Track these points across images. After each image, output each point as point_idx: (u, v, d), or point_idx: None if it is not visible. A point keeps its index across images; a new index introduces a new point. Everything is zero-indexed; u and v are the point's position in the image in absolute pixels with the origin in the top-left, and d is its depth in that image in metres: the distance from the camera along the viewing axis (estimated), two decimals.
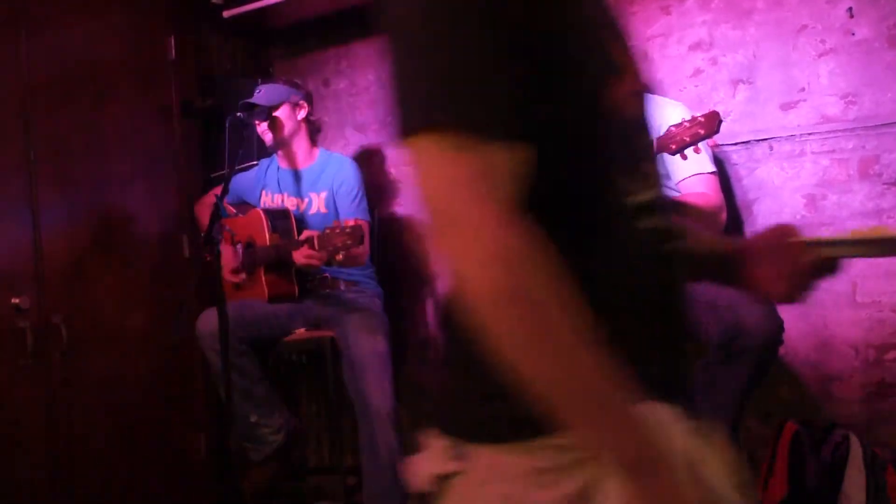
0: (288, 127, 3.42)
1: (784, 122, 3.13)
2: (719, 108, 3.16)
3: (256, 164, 3.62)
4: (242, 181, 3.56)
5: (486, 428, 1.01)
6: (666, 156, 2.54)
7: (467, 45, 0.94)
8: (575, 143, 1.00)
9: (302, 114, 3.47)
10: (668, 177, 2.87)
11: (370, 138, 4.04)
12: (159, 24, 3.76)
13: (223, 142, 3.22)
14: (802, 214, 3.09)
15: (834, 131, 3.04)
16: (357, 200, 3.40)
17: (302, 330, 3.43)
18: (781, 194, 3.13)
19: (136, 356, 3.50)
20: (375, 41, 3.99)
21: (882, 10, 2.96)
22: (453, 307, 1.01)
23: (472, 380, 1.02)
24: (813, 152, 3.08)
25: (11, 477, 3.04)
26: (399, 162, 3.97)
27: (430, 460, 1.04)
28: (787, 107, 3.13)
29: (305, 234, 3.06)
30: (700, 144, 2.44)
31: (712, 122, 2.39)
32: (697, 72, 3.28)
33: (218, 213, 2.79)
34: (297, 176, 3.48)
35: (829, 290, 3.05)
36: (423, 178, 0.94)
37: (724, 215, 2.85)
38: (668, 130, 2.47)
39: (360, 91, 4.07)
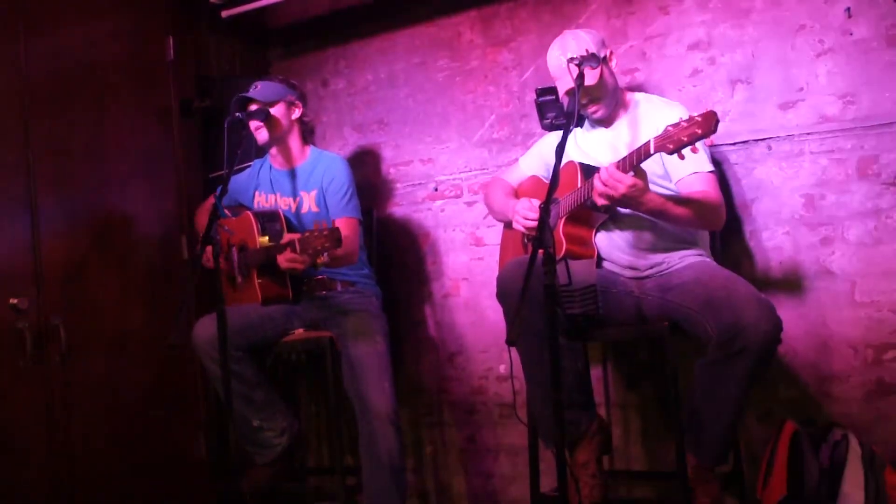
0: (282, 126, 3.42)
1: (782, 121, 3.13)
2: (717, 108, 3.17)
3: (249, 166, 3.62)
4: (236, 183, 3.56)
5: None
6: (664, 155, 2.54)
7: None
8: None
9: (296, 113, 3.46)
10: (666, 177, 2.87)
11: (368, 138, 4.04)
12: (158, 25, 3.76)
13: (222, 142, 3.21)
14: (801, 214, 3.10)
15: (832, 131, 3.05)
16: (347, 198, 3.37)
17: (301, 330, 3.42)
18: (780, 194, 3.13)
19: (135, 357, 3.50)
20: (374, 41, 4.04)
21: (880, 10, 2.96)
22: None
23: None
24: (811, 152, 3.08)
25: (11, 478, 3.04)
26: (397, 161, 3.97)
27: None
28: (785, 107, 3.13)
29: (287, 237, 3.04)
30: (698, 144, 2.44)
31: (709, 122, 2.39)
32: (696, 72, 3.28)
33: (216, 213, 2.79)
34: (288, 175, 3.48)
35: (828, 289, 3.05)
36: None
37: (724, 213, 2.85)
38: (665, 130, 2.47)
39: (359, 91, 4.07)
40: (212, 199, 3.58)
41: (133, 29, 3.67)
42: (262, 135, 3.39)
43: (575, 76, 2.63)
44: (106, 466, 3.33)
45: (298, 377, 4.14)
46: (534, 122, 3.50)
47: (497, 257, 3.42)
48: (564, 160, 2.89)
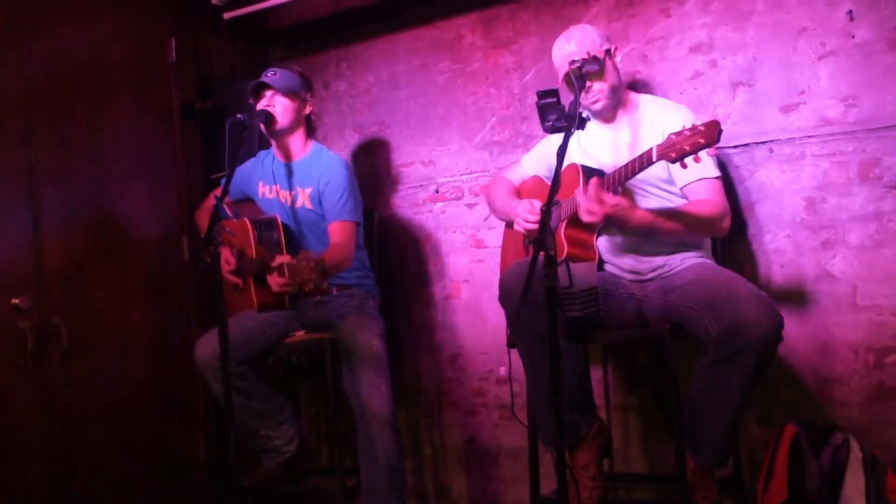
0: (292, 119, 3.40)
1: (784, 124, 3.13)
2: (719, 111, 3.19)
3: (254, 156, 3.60)
4: (241, 172, 3.52)
5: None
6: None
7: None
8: None
9: (307, 110, 3.46)
10: (671, 182, 2.87)
11: (369, 140, 4.05)
12: (160, 26, 3.77)
13: (223, 143, 3.21)
14: (802, 217, 3.09)
15: (834, 134, 3.04)
16: (343, 200, 3.34)
17: (301, 333, 3.42)
18: (781, 197, 3.13)
19: (136, 357, 3.51)
20: (375, 43, 4.04)
21: (882, 13, 2.96)
22: None
23: None
24: (813, 155, 3.08)
25: (12, 477, 3.04)
26: (398, 163, 3.97)
27: None
28: (787, 109, 3.13)
29: (278, 259, 2.99)
30: (701, 152, 2.44)
31: (712, 132, 2.39)
32: (697, 74, 3.28)
33: (218, 214, 2.78)
34: (288, 169, 3.46)
35: (829, 293, 3.05)
36: None
37: (727, 221, 2.85)
38: (668, 138, 2.48)
39: (360, 93, 4.07)
40: (212, 199, 3.58)
41: (135, 30, 3.68)
42: (283, 118, 3.35)
43: (576, 78, 2.63)
44: (106, 465, 3.33)
45: (298, 379, 4.14)
46: (535, 125, 3.50)
47: (498, 259, 3.42)
48: (567, 161, 2.90)
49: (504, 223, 3.31)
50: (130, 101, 3.63)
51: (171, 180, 3.76)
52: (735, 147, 3.19)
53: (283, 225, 3.37)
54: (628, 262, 2.93)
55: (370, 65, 4.04)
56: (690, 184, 2.81)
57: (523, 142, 3.63)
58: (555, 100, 2.63)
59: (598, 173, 2.87)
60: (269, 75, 3.36)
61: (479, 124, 3.76)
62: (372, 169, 4.03)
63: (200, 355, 3.27)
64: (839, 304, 3.03)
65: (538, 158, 3.25)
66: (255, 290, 3.26)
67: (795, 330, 3.05)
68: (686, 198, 2.86)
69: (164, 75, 3.78)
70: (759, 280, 3.14)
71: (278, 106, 3.34)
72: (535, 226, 2.86)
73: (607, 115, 3.00)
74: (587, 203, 2.61)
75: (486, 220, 3.74)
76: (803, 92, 3.09)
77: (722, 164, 3.08)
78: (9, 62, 3.18)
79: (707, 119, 2.44)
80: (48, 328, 3.18)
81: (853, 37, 3.01)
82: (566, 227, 2.84)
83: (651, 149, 2.53)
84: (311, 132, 3.55)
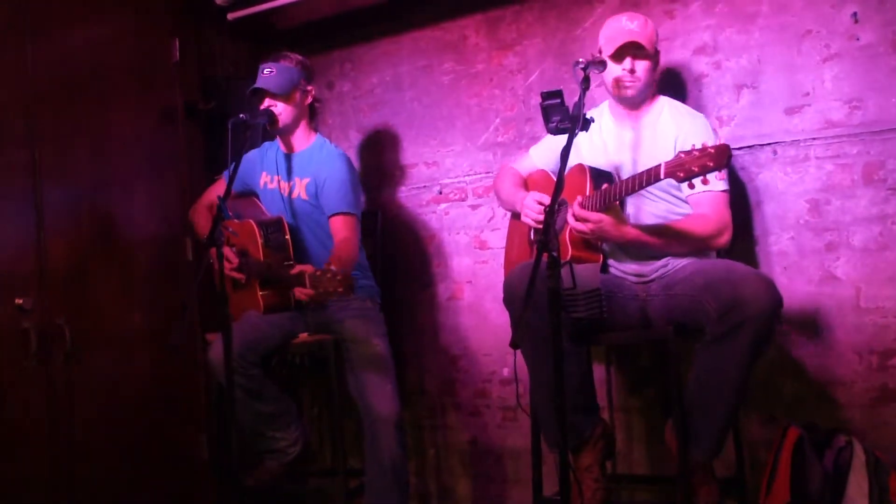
0: (296, 115, 3.39)
1: (788, 126, 3.13)
2: (723, 113, 3.19)
3: (259, 147, 3.58)
4: (244, 163, 3.48)
5: None
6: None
7: None
8: None
9: (308, 99, 3.43)
10: (678, 187, 2.87)
11: (373, 141, 4.05)
12: (163, 27, 3.77)
13: (226, 144, 3.20)
14: (806, 219, 3.09)
15: (838, 136, 3.04)
16: (343, 193, 3.31)
17: (305, 335, 3.42)
18: (785, 199, 3.12)
19: (138, 357, 3.51)
20: (379, 44, 4.04)
21: (887, 16, 2.96)
22: None
23: None
24: (817, 157, 3.08)
25: (14, 477, 3.05)
26: (402, 164, 3.97)
27: None
28: (791, 111, 3.12)
29: (298, 268, 2.94)
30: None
31: (722, 157, 2.39)
32: (701, 76, 3.28)
33: (221, 215, 2.77)
34: (290, 159, 3.45)
35: (832, 295, 3.05)
36: None
37: (726, 237, 2.85)
38: (677, 157, 2.47)
39: (364, 94, 4.07)
40: (206, 198, 3.57)
41: (138, 30, 3.68)
42: (283, 115, 3.34)
43: (580, 80, 2.63)
44: (108, 465, 3.34)
45: (301, 379, 4.13)
46: (539, 126, 3.50)
47: (501, 260, 3.42)
48: (575, 156, 2.92)
49: (510, 214, 3.30)
50: (133, 101, 3.63)
51: (174, 180, 3.77)
52: (739, 149, 3.18)
53: (289, 226, 3.36)
54: (632, 266, 2.94)
55: (374, 66, 4.04)
56: (695, 194, 2.80)
57: (527, 143, 3.62)
58: (559, 101, 2.63)
59: (606, 175, 2.89)
60: (266, 74, 3.32)
61: (483, 125, 3.76)
62: (376, 170, 4.03)
63: (215, 357, 3.26)
64: (843, 307, 3.03)
65: (546, 152, 3.24)
66: (262, 295, 3.25)
67: (799, 332, 3.04)
68: (691, 208, 2.88)
69: (168, 75, 3.78)
70: None
71: (279, 106, 3.33)
72: (542, 224, 2.87)
73: (628, 108, 2.99)
74: (572, 221, 2.75)
75: (489, 221, 3.74)
76: (808, 94, 3.09)
77: (730, 169, 3.06)
78: (12, 62, 3.18)
79: (719, 141, 2.44)
80: (51, 328, 3.18)
81: (858, 39, 3.00)
82: (572, 230, 2.84)
83: (659, 165, 2.53)
84: (313, 120, 3.50)
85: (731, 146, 3.13)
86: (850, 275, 3.02)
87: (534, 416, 3.05)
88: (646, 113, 3.00)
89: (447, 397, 3.86)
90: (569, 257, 2.80)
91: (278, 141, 3.50)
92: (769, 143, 3.15)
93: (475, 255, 3.79)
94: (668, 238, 2.84)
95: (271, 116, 3.29)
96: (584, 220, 2.72)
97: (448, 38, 3.85)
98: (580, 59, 2.70)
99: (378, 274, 3.65)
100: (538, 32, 3.63)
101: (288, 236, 3.31)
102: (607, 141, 3.02)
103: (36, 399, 3.15)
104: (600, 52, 2.96)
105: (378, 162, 4.03)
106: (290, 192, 3.42)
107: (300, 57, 3.43)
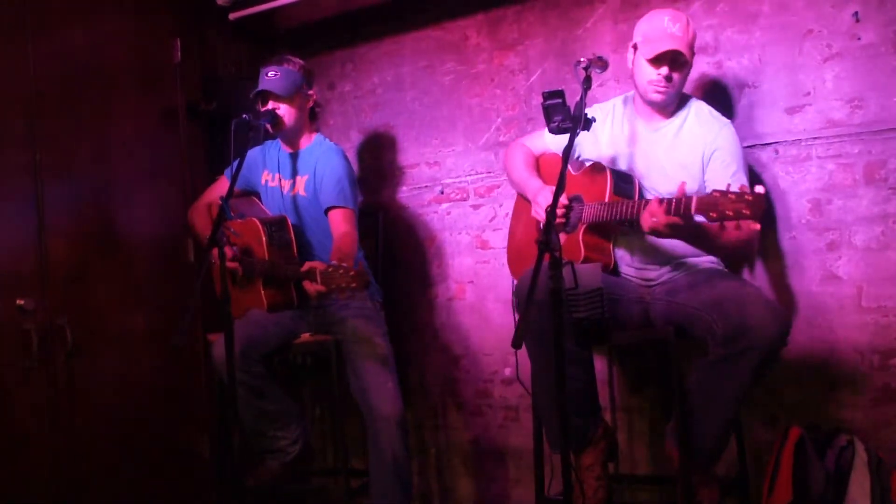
0: (299, 118, 3.39)
1: (789, 126, 3.13)
2: (724, 113, 3.18)
3: (260, 145, 3.58)
4: (246, 161, 3.42)
5: None
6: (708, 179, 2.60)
7: None
8: None
9: (310, 103, 3.44)
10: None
11: (375, 141, 4.05)
12: (165, 27, 3.77)
13: (228, 144, 3.20)
14: (807, 219, 3.09)
15: (839, 136, 3.04)
16: (340, 187, 3.31)
17: (307, 335, 3.42)
18: (787, 199, 3.12)
19: (140, 358, 3.51)
20: (381, 44, 4.03)
21: (888, 15, 2.96)
22: None
23: None
24: (818, 157, 3.08)
25: (17, 477, 3.05)
26: (403, 164, 3.97)
27: None
28: (792, 111, 3.12)
29: (308, 265, 2.94)
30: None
31: (758, 208, 2.26)
32: (703, 76, 3.28)
33: (223, 216, 2.78)
34: (291, 158, 3.46)
35: (834, 294, 3.05)
36: None
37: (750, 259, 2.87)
38: (711, 196, 2.36)
39: (365, 94, 4.07)
40: (205, 198, 3.57)
41: (140, 31, 3.68)
42: (286, 116, 3.34)
43: (582, 79, 2.63)
44: (110, 465, 3.34)
45: (303, 379, 4.14)
46: (540, 126, 3.48)
47: (503, 260, 3.42)
48: (597, 148, 2.95)
49: (517, 193, 3.27)
50: (135, 101, 3.63)
51: (176, 181, 3.76)
52: None
53: (293, 226, 3.36)
54: (640, 270, 2.94)
55: (376, 66, 4.04)
56: None
57: None
58: (560, 101, 2.63)
59: (627, 179, 2.86)
60: (270, 76, 3.33)
61: (484, 125, 3.76)
62: (377, 170, 4.03)
63: (218, 356, 3.26)
64: (844, 306, 3.03)
65: (562, 139, 3.21)
66: (266, 294, 3.25)
67: (800, 331, 3.04)
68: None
69: (169, 76, 3.78)
70: (764, 281, 3.14)
71: (283, 108, 3.33)
72: (560, 219, 2.85)
73: (656, 111, 2.96)
74: (652, 218, 2.56)
75: (491, 220, 3.74)
76: (809, 94, 3.09)
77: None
78: (13, 62, 3.18)
79: (758, 190, 2.30)
80: (53, 329, 3.18)
81: (859, 38, 3.00)
82: (585, 231, 2.83)
83: (691, 198, 2.44)
84: (314, 121, 3.51)
85: None
86: (852, 274, 3.02)
87: (536, 416, 3.05)
88: (673, 117, 2.95)
89: (449, 397, 3.86)
90: (582, 258, 2.80)
91: (280, 140, 3.50)
92: (771, 143, 3.16)
93: (477, 255, 3.79)
94: (713, 247, 2.78)
95: (275, 118, 3.29)
96: (660, 219, 2.55)
97: (449, 39, 3.85)
98: (581, 59, 2.70)
99: (380, 274, 3.65)
100: (539, 32, 3.63)
101: (292, 234, 3.32)
102: (648, 148, 2.96)
103: (37, 400, 3.15)
104: (635, 46, 2.89)
105: (379, 162, 4.03)
106: (291, 190, 3.42)
107: (302, 62, 3.44)
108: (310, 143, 3.46)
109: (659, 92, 2.86)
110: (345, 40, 4.12)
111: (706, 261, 2.91)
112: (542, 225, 3.04)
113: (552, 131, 2.68)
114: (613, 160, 2.97)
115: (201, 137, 3.87)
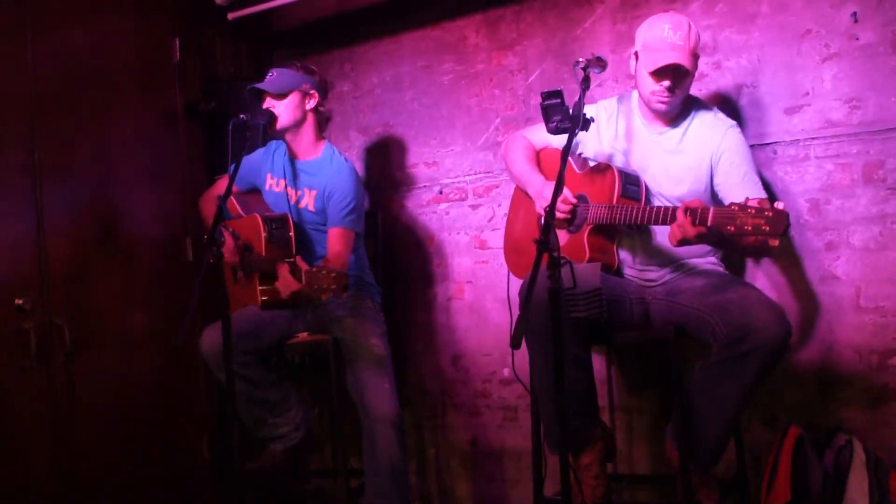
0: (295, 116, 3.39)
1: (788, 126, 3.13)
2: (723, 113, 3.18)
3: (264, 146, 3.58)
4: (249, 163, 3.45)
5: None
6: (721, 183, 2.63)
7: None
8: None
9: (311, 104, 3.41)
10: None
11: (373, 141, 4.05)
12: (164, 27, 3.77)
13: (226, 144, 3.20)
14: (806, 219, 3.09)
15: (838, 136, 3.04)
16: (347, 210, 3.32)
17: (304, 334, 3.42)
18: (785, 198, 3.11)
19: (139, 358, 3.51)
20: (380, 44, 4.03)
21: (887, 15, 2.96)
22: None
23: None
24: (817, 157, 3.08)
25: (15, 478, 3.05)
26: (402, 164, 3.97)
27: None
28: (791, 111, 3.13)
29: (297, 259, 2.97)
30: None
31: (779, 226, 2.27)
32: (701, 76, 3.27)
33: (220, 216, 2.78)
34: (297, 167, 3.46)
35: (832, 294, 3.05)
36: None
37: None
38: (729, 208, 2.35)
39: (364, 94, 4.07)
40: (215, 189, 3.56)
41: (139, 30, 3.68)
42: (283, 117, 3.34)
43: (580, 80, 2.63)
44: (109, 466, 3.34)
45: (301, 379, 4.13)
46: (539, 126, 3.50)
47: (502, 260, 3.42)
48: (599, 146, 2.95)
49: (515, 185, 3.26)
50: (134, 101, 3.63)
51: (175, 181, 3.77)
52: None
53: (294, 225, 3.36)
54: (642, 271, 2.94)
55: (374, 66, 4.04)
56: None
57: None
58: (559, 101, 2.63)
59: (634, 181, 2.85)
60: (268, 77, 3.36)
61: (483, 125, 3.76)
62: (376, 170, 4.03)
63: (206, 346, 3.28)
64: (843, 306, 3.03)
65: (564, 136, 3.20)
66: (261, 290, 3.26)
67: (799, 331, 3.04)
68: None
69: (168, 76, 3.78)
70: (763, 281, 3.13)
71: (279, 107, 3.34)
72: (565, 215, 2.85)
73: (658, 116, 2.94)
74: (679, 228, 2.53)
75: (490, 220, 3.74)
76: (807, 94, 3.09)
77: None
78: (13, 62, 3.18)
79: (779, 205, 2.32)
80: (51, 329, 3.18)
81: (857, 39, 3.01)
82: (590, 232, 2.83)
83: (709, 209, 2.43)
84: (322, 127, 3.49)
85: None
86: (850, 274, 3.02)
87: (535, 416, 3.05)
88: (677, 118, 2.94)
89: (447, 397, 3.86)
90: (587, 259, 2.80)
91: (284, 143, 3.49)
92: (769, 143, 3.16)
93: (475, 255, 3.79)
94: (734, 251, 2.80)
95: (271, 116, 3.30)
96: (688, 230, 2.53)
97: (448, 39, 3.85)
98: (580, 59, 2.70)
99: (378, 274, 3.65)
100: (538, 32, 3.63)
101: (292, 233, 3.31)
102: (648, 149, 2.95)
103: (36, 399, 3.15)
104: (636, 55, 2.88)
105: (378, 162, 4.03)
106: (298, 202, 3.43)
107: (308, 65, 3.46)
108: (318, 154, 3.45)
109: (662, 102, 2.85)
110: (344, 40, 4.12)
111: (707, 262, 2.91)
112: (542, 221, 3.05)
113: (551, 131, 2.68)
114: (610, 158, 2.97)
115: (201, 137, 3.88)
